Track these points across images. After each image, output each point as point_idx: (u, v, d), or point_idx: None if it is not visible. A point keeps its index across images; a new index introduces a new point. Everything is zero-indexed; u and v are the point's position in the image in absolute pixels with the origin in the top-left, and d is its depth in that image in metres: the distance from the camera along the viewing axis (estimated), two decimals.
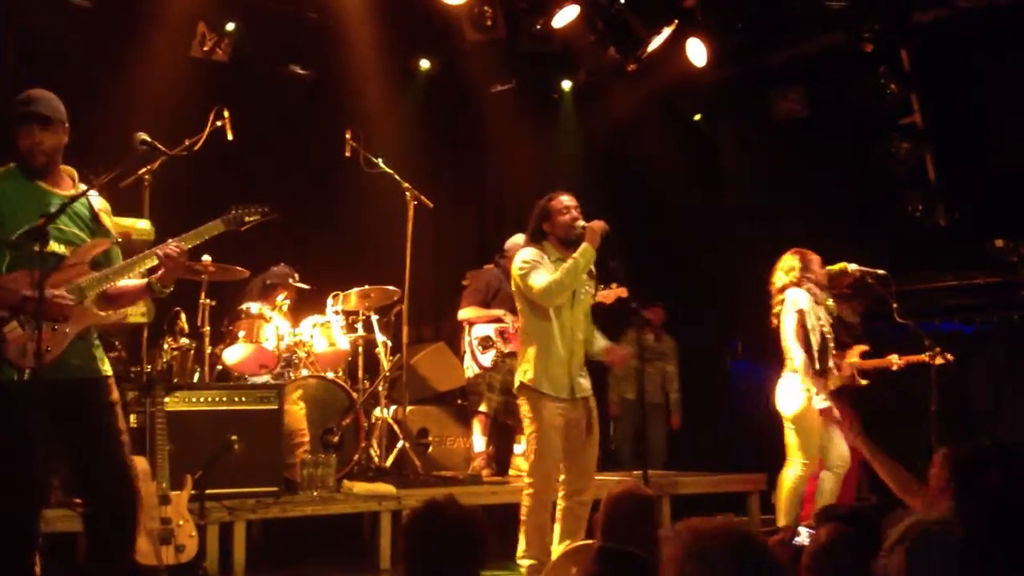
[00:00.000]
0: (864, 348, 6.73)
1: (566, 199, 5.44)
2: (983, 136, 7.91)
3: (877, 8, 7.89)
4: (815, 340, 6.05)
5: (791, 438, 6.08)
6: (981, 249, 7.65)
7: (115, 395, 4.02)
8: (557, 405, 5.28)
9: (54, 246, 3.80)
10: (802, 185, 8.55)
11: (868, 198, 8.40)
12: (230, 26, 7.91)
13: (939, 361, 6.42)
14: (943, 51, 8.00)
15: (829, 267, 6.35)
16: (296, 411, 6.57)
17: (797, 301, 6.09)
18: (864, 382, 6.67)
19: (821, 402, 5.93)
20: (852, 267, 6.50)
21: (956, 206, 8.02)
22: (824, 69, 8.55)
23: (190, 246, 4.04)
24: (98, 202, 4.08)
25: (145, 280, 4.04)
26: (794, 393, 6.04)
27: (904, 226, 8.16)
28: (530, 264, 5.31)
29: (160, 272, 3.99)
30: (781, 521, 6.07)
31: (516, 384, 5.43)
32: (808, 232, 8.03)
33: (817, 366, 6.03)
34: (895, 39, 8.02)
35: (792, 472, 6.06)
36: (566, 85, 9.66)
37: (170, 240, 4.02)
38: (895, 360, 6.69)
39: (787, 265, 6.25)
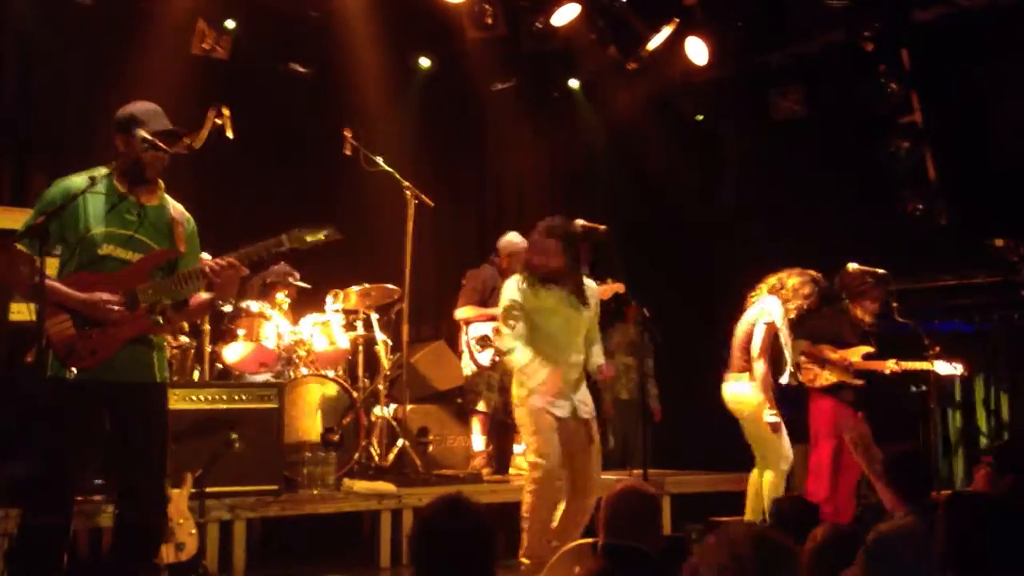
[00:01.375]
0: (868, 350, 6.71)
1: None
2: (983, 135, 7.91)
3: (877, 7, 7.90)
4: (788, 354, 6.15)
5: (757, 443, 6.23)
6: (981, 248, 7.65)
7: (165, 402, 4.14)
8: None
9: (119, 251, 3.93)
10: (802, 184, 8.55)
11: (868, 197, 8.40)
12: (230, 24, 7.91)
13: (945, 373, 6.47)
14: (944, 50, 8.00)
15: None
16: None
17: (770, 312, 6.15)
18: (859, 382, 6.65)
19: (770, 417, 6.07)
20: (852, 266, 6.51)
21: (956, 205, 8.03)
22: (824, 68, 8.55)
23: (246, 263, 4.09)
24: (177, 212, 4.16)
25: (208, 296, 4.15)
26: (752, 400, 6.16)
27: (904, 225, 8.16)
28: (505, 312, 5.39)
29: (215, 289, 4.07)
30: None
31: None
32: (808, 231, 8.07)
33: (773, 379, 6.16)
34: (895, 38, 8.02)
35: (766, 478, 6.17)
36: (574, 83, 9.64)
37: (226, 256, 4.07)
38: (891, 365, 6.66)
39: (773, 281, 6.30)
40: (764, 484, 6.23)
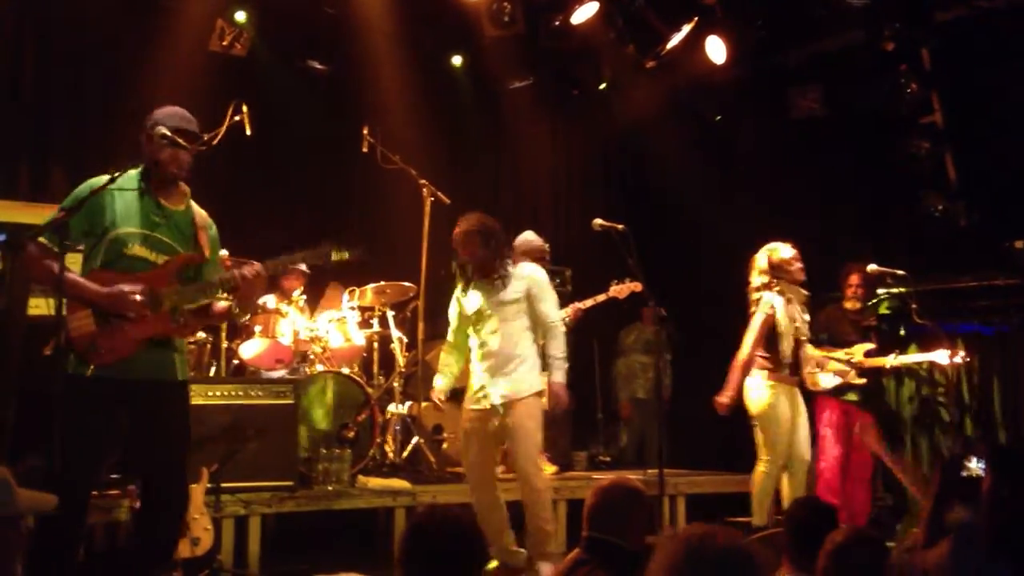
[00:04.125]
0: (870, 346, 6.65)
1: None
2: (1004, 136, 7.84)
3: (898, 6, 7.85)
4: (788, 344, 6.09)
5: (758, 436, 6.16)
6: (1001, 250, 7.60)
7: (186, 402, 4.16)
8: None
9: (145, 252, 3.96)
10: (820, 185, 8.50)
11: (887, 198, 8.34)
12: (241, 16, 7.89)
13: (944, 363, 6.41)
14: (964, 50, 7.94)
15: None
16: None
17: (770, 303, 6.13)
18: (861, 380, 6.60)
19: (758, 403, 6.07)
20: (872, 267, 6.47)
21: (976, 206, 7.97)
22: (844, 68, 8.50)
23: (271, 274, 4.14)
24: (201, 218, 4.19)
25: (227, 304, 4.18)
26: (757, 391, 6.10)
27: (924, 226, 8.10)
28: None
29: (237, 294, 4.10)
30: (756, 520, 6.10)
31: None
32: (826, 232, 8.03)
33: (787, 364, 6.11)
34: (916, 38, 7.97)
35: (760, 469, 6.12)
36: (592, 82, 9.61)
37: (252, 265, 4.09)
38: (890, 361, 6.59)
39: (759, 266, 6.25)
40: (756, 481, 6.18)
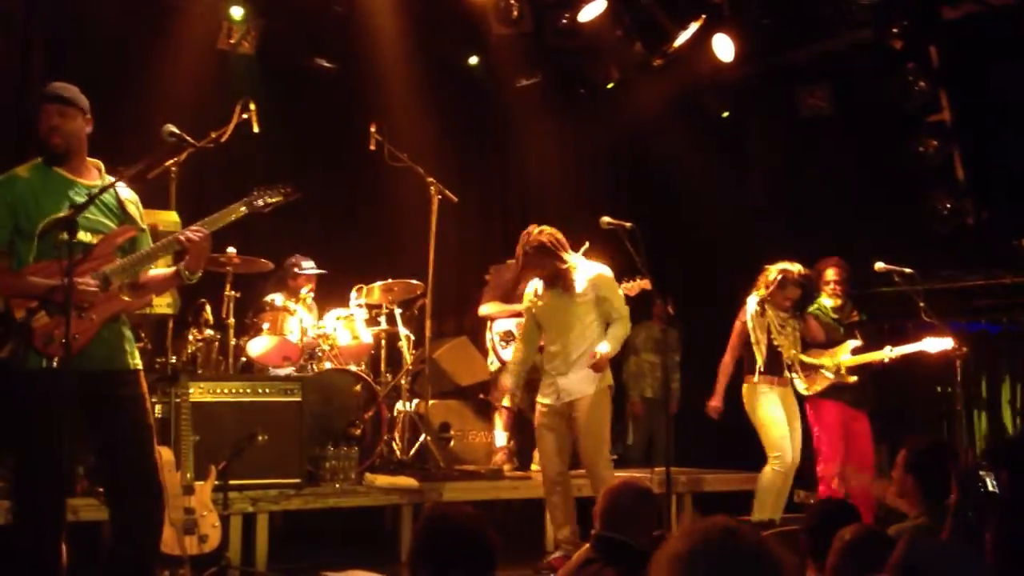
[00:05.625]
0: (856, 344, 6.60)
1: None
2: (1012, 134, 7.82)
3: (906, 4, 7.83)
4: (761, 351, 6.35)
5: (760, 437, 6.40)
6: (1009, 248, 7.58)
7: (143, 388, 4.03)
8: None
9: (81, 235, 3.79)
10: (828, 183, 8.49)
11: (895, 196, 8.32)
12: (237, 13, 7.88)
13: (937, 350, 6.39)
14: (972, 48, 7.92)
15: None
16: None
17: (745, 310, 6.44)
18: (852, 379, 6.57)
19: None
20: (879, 265, 6.45)
21: (984, 205, 7.95)
22: (852, 66, 8.48)
23: (213, 230, 4.03)
24: (125, 192, 4.10)
25: (174, 268, 4.06)
26: (746, 396, 6.44)
27: (931, 225, 8.09)
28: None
29: (187, 258, 4.00)
30: (755, 516, 6.20)
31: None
32: (834, 230, 8.02)
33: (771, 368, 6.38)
34: (924, 35, 7.95)
35: (768, 468, 6.31)
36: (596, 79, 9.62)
37: (192, 225, 4.03)
38: (887, 354, 6.52)
39: (764, 276, 6.45)
40: (762, 479, 6.38)
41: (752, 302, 6.43)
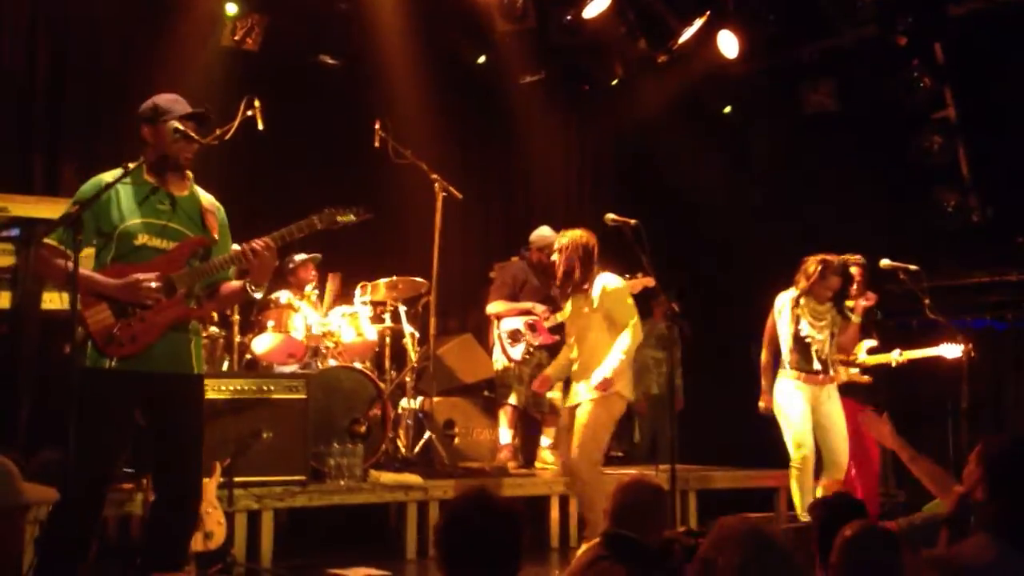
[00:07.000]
0: (872, 343, 6.60)
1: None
2: (1018, 131, 7.81)
3: (911, 1, 7.82)
4: (787, 345, 6.24)
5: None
6: (1014, 245, 7.57)
7: (202, 394, 4.17)
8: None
9: (155, 240, 3.97)
10: (833, 180, 8.48)
11: (900, 193, 8.32)
12: (232, 9, 7.83)
13: (952, 356, 6.37)
14: (977, 44, 7.91)
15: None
16: None
17: (775, 304, 6.33)
18: (866, 379, 6.56)
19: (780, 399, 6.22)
20: (884, 262, 6.44)
21: (989, 201, 7.94)
22: (856, 62, 8.47)
23: (279, 244, 4.11)
24: (207, 202, 4.19)
25: (241, 283, 4.15)
26: (776, 391, 6.31)
27: (936, 222, 8.08)
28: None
29: (250, 270, 4.08)
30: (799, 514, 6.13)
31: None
32: (839, 227, 8.00)
33: (788, 362, 6.26)
34: (929, 32, 7.94)
35: (792, 465, 6.23)
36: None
37: (257, 239, 4.08)
38: (895, 357, 6.53)
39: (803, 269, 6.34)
40: (791, 476, 6.22)
41: (784, 296, 6.30)
